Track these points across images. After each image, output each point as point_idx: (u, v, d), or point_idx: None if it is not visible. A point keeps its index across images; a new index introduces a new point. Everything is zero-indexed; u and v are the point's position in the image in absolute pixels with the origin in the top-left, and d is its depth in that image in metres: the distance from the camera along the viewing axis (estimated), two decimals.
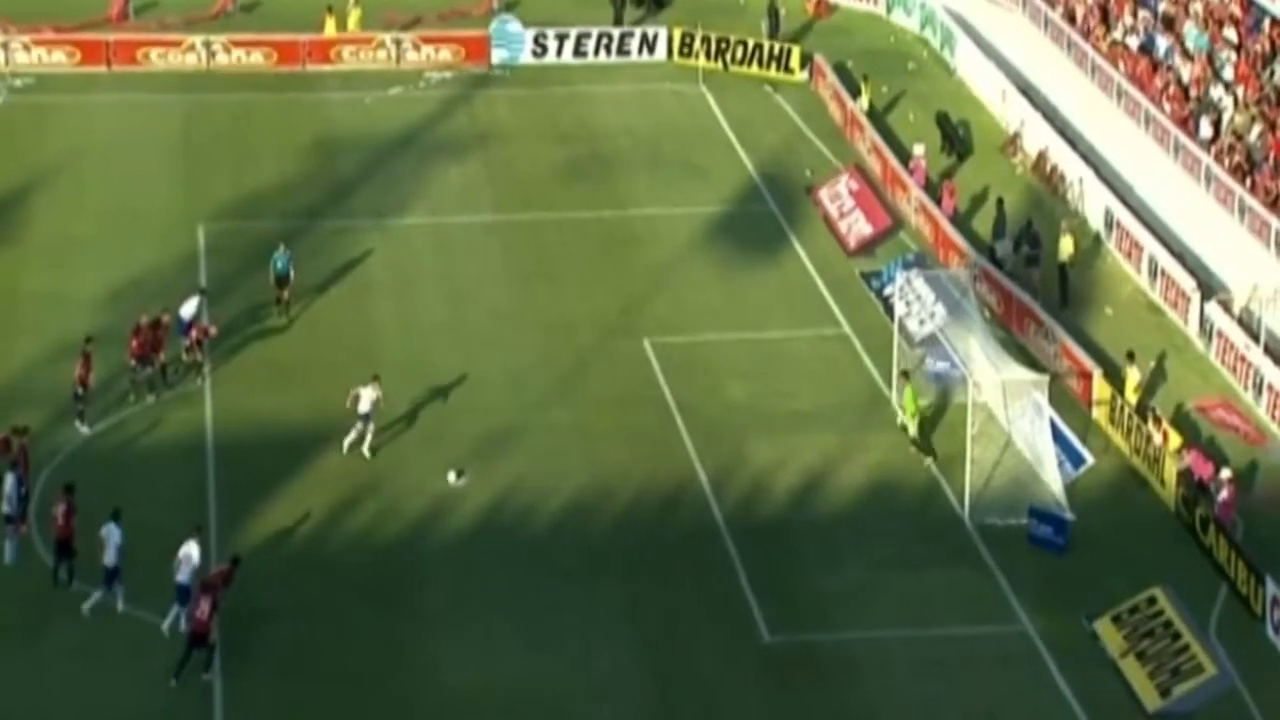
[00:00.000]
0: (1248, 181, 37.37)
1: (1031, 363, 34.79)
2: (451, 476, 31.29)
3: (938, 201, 41.21)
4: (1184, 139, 39.56)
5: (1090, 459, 31.41)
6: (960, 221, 40.83)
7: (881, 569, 29.77)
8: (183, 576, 27.55)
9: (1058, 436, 31.40)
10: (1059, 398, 33.15)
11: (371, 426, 32.06)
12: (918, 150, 43.23)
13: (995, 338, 34.09)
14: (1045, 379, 32.01)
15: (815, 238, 41.05)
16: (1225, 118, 39.38)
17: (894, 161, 43.08)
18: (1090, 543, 30.37)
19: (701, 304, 38.23)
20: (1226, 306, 36.07)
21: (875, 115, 46.25)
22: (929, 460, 32.22)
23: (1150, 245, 38.85)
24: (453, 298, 38.40)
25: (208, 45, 49.15)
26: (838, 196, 42.15)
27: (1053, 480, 31.07)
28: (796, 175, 43.86)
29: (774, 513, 31.35)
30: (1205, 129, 39.50)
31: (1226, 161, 38.14)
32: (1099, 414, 33.83)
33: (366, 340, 36.38)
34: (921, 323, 35.09)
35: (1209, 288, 37.32)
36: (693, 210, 42.29)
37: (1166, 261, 38.18)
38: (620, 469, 32.42)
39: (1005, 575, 29.64)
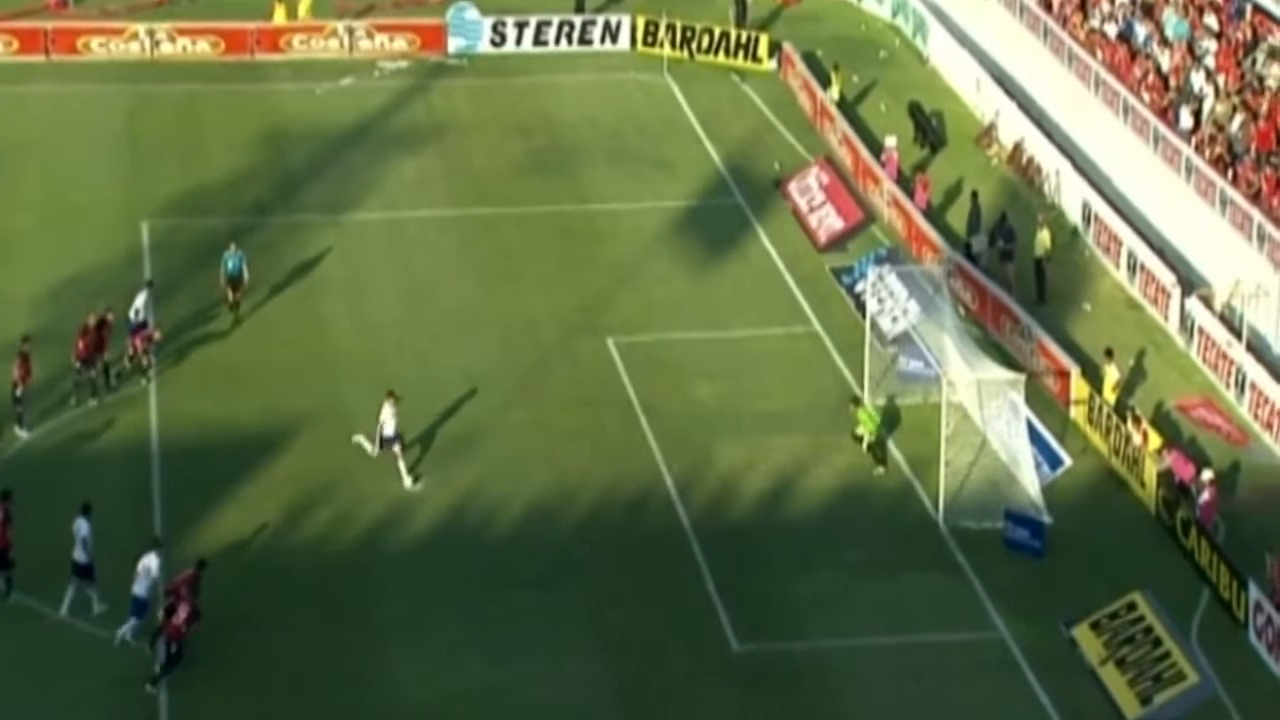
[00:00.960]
0: (1229, 173, 37.65)
1: (1007, 361, 34.99)
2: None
3: (910, 195, 41.40)
4: (1164, 129, 39.83)
5: (1068, 460, 31.61)
6: (934, 215, 41.03)
7: (854, 574, 29.90)
8: (140, 589, 27.56)
9: (1034, 437, 31.59)
10: (1036, 397, 33.35)
11: (398, 449, 31.62)
12: (890, 142, 43.41)
13: (970, 335, 34.28)
14: (1021, 378, 32.19)
15: (784, 232, 41.18)
16: (1206, 107, 39.67)
17: (865, 153, 43.25)
18: (1068, 547, 30.57)
19: (667, 301, 38.31)
20: (1208, 302, 36.34)
21: (846, 106, 46.42)
22: (880, 470, 32.32)
23: (1129, 239, 39.11)
24: (408, 296, 38.38)
25: (151, 34, 48.96)
26: (807, 190, 42.29)
27: (1029, 482, 31.25)
28: (765, 168, 43.99)
29: (742, 517, 31.45)
30: (1185, 119, 39.78)
31: (1207, 153, 38.43)
32: (1077, 414, 34.05)
33: (319, 340, 36.34)
34: (894, 320, 35.22)
35: (1190, 283, 37.59)
36: (657, 204, 42.36)
37: (1146, 256, 38.44)
38: (583, 472, 32.47)
39: (981, 580, 29.81)
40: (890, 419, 33.98)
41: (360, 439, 31.69)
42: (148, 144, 44.31)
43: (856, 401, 33.31)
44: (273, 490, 31.68)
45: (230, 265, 36.63)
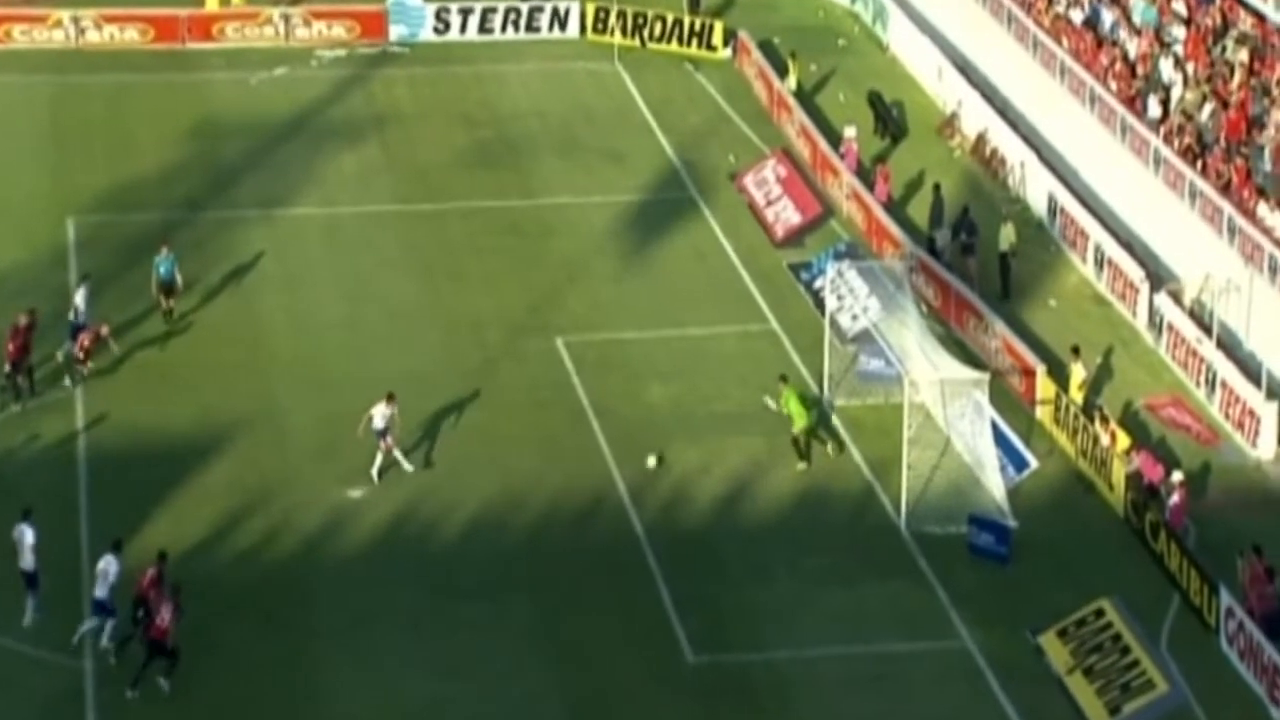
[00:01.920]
0: (1198, 164, 37.95)
1: (971, 360, 35.19)
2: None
3: (870, 187, 41.57)
4: (1131, 119, 40.13)
5: (1034, 462, 31.81)
6: (895, 209, 41.21)
7: (813, 582, 30.01)
8: (100, 591, 27.56)
9: (999, 438, 31.77)
10: (1000, 397, 33.55)
11: (382, 445, 31.75)
12: (849, 132, 43.58)
13: (933, 333, 34.44)
14: (986, 377, 32.38)
15: (740, 227, 41.28)
16: (1174, 96, 39.97)
17: (824, 145, 43.41)
18: (1034, 552, 30.75)
19: (618, 299, 38.36)
20: (1177, 298, 36.62)
21: (803, 95, 46.58)
22: (801, 465, 32.39)
23: (1096, 233, 39.38)
24: (348, 294, 38.29)
25: (76, 21, 48.67)
26: (764, 183, 42.41)
27: (994, 485, 31.43)
28: (720, 160, 44.09)
29: (698, 523, 31.52)
30: (1153, 108, 40.07)
31: (1176, 143, 38.72)
32: (1043, 414, 34.26)
33: (254, 342, 36.23)
34: (854, 318, 35.36)
35: (1158, 278, 37.87)
36: (608, 198, 42.40)
37: (1113, 250, 38.72)
38: (532, 477, 32.48)
39: (944, 587, 29.97)
40: (851, 420, 34.10)
41: (399, 457, 31.58)
42: (73, 137, 44.06)
43: (784, 378, 33.22)
44: (206, 498, 31.57)
45: (162, 270, 36.41)
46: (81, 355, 33.98)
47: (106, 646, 27.57)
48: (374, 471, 31.93)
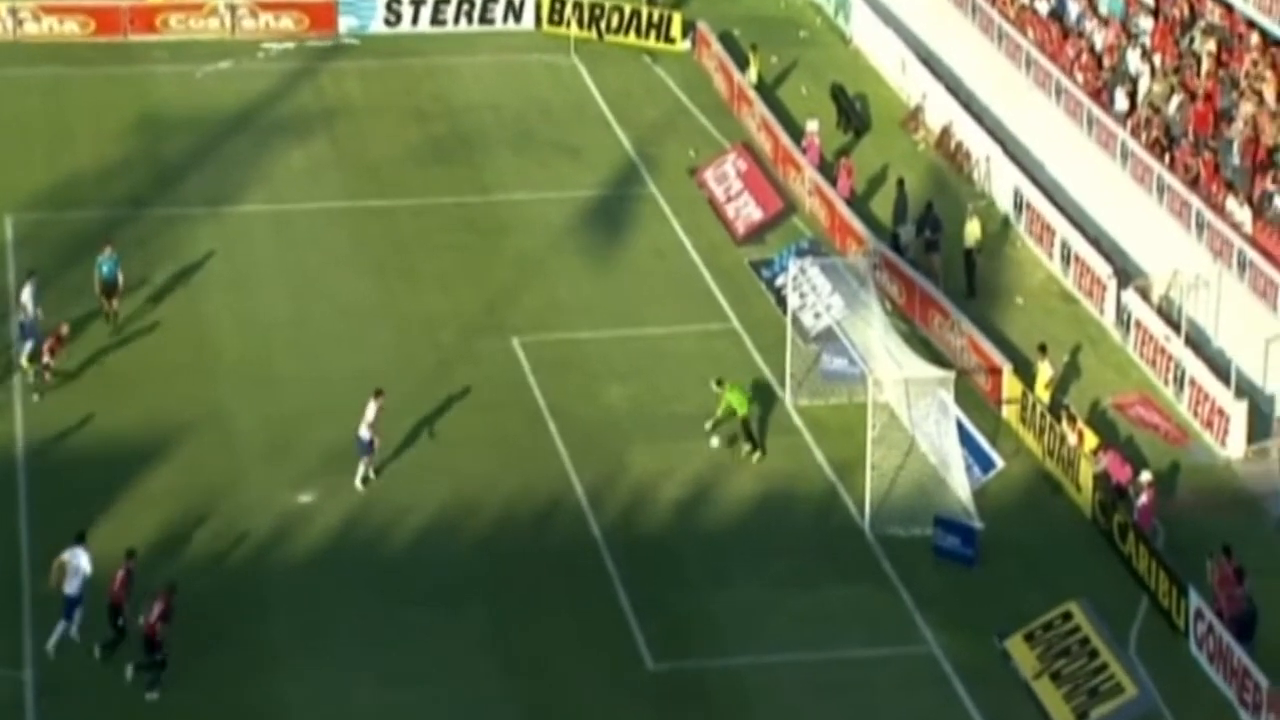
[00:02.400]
0: (1166, 158, 38.21)
1: (936, 358, 35.35)
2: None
3: (833, 182, 41.71)
4: (1098, 112, 40.37)
5: (1000, 463, 31.98)
6: (858, 204, 41.36)
7: (775, 587, 30.10)
8: (71, 589, 27.56)
9: (965, 438, 31.92)
10: (966, 396, 33.71)
11: (369, 455, 31.71)
12: (811, 126, 43.71)
13: (897, 331, 34.58)
14: (951, 376, 32.54)
15: (700, 224, 41.36)
16: (1142, 88, 40.22)
17: (785, 139, 43.52)
18: (1001, 554, 30.92)
19: (575, 298, 38.38)
20: (1145, 294, 36.86)
21: (764, 88, 46.69)
22: (751, 450, 32.57)
23: (1063, 228, 39.60)
24: (297, 294, 38.22)
25: (14, 13, 48.42)
26: (724, 178, 42.50)
27: (960, 486, 31.59)
28: (679, 155, 44.16)
29: (657, 527, 31.57)
30: (1120, 101, 40.33)
31: (1143, 136, 38.98)
32: (1009, 413, 34.45)
33: (200, 343, 36.13)
34: (817, 316, 35.46)
35: (1126, 274, 38.11)
36: (565, 194, 42.43)
37: (1080, 246, 38.94)
38: (487, 481, 32.48)
39: (909, 591, 30.10)
40: (814, 421, 34.22)
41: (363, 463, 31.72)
42: (10, 132, 43.83)
43: (720, 383, 33.37)
44: (150, 504, 31.46)
45: (105, 270, 36.25)
46: (46, 359, 33.83)
47: (71, 639, 27.56)
48: (359, 479, 31.74)
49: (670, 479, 32.63)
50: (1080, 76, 41.67)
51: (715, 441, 33.09)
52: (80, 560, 27.81)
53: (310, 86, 47.21)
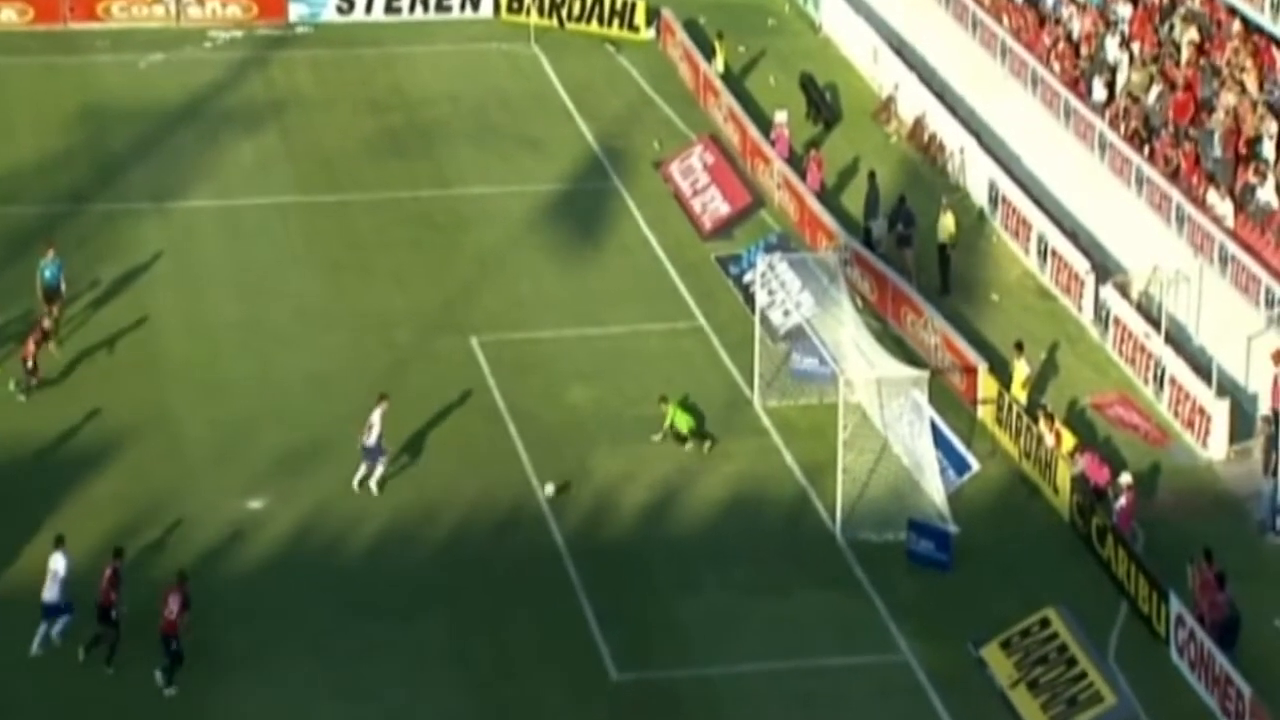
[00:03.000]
0: (1145, 149, 38.43)
1: (909, 357, 35.48)
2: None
3: (803, 175, 41.82)
4: (1075, 102, 40.57)
5: (975, 465, 32.12)
6: (828, 198, 41.48)
7: (743, 594, 30.17)
8: (50, 594, 27.80)
9: (939, 440, 32.05)
10: (940, 396, 33.85)
11: (384, 459, 31.70)
12: (780, 117, 43.82)
13: (869, 329, 34.70)
14: (925, 375, 32.66)
15: (665, 218, 41.42)
16: (1120, 78, 40.44)
17: (753, 131, 43.62)
18: (976, 559, 31.06)
19: (536, 296, 38.41)
20: (1124, 290, 37.05)
21: (731, 78, 46.77)
22: (709, 443, 32.93)
23: (1039, 223, 39.79)
24: (247, 292, 38.15)
25: None
26: (690, 171, 42.56)
27: (934, 489, 31.72)
28: (644, 147, 44.21)
29: (622, 533, 31.63)
30: (1099, 91, 40.53)
31: (1122, 127, 39.19)
32: (985, 414, 34.60)
33: (145, 344, 36.05)
34: (786, 313, 35.58)
35: (1104, 269, 38.31)
36: (525, 188, 42.45)
37: (1057, 240, 39.13)
38: (445, 486, 32.49)
39: (882, 597, 30.21)
40: (783, 422, 34.33)
41: (370, 472, 31.71)
42: None
43: (664, 399, 33.61)
44: (93, 512, 31.36)
45: (48, 275, 36.07)
46: (32, 364, 33.82)
47: (55, 644, 27.93)
48: (373, 483, 31.81)
49: (635, 482, 32.69)
50: (1057, 65, 41.87)
51: (657, 437, 33.24)
52: (56, 564, 27.93)
53: (260, 77, 47.10)
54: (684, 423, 33.42)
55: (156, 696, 27.60)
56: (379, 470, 31.93)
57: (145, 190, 41.72)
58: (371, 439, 31.77)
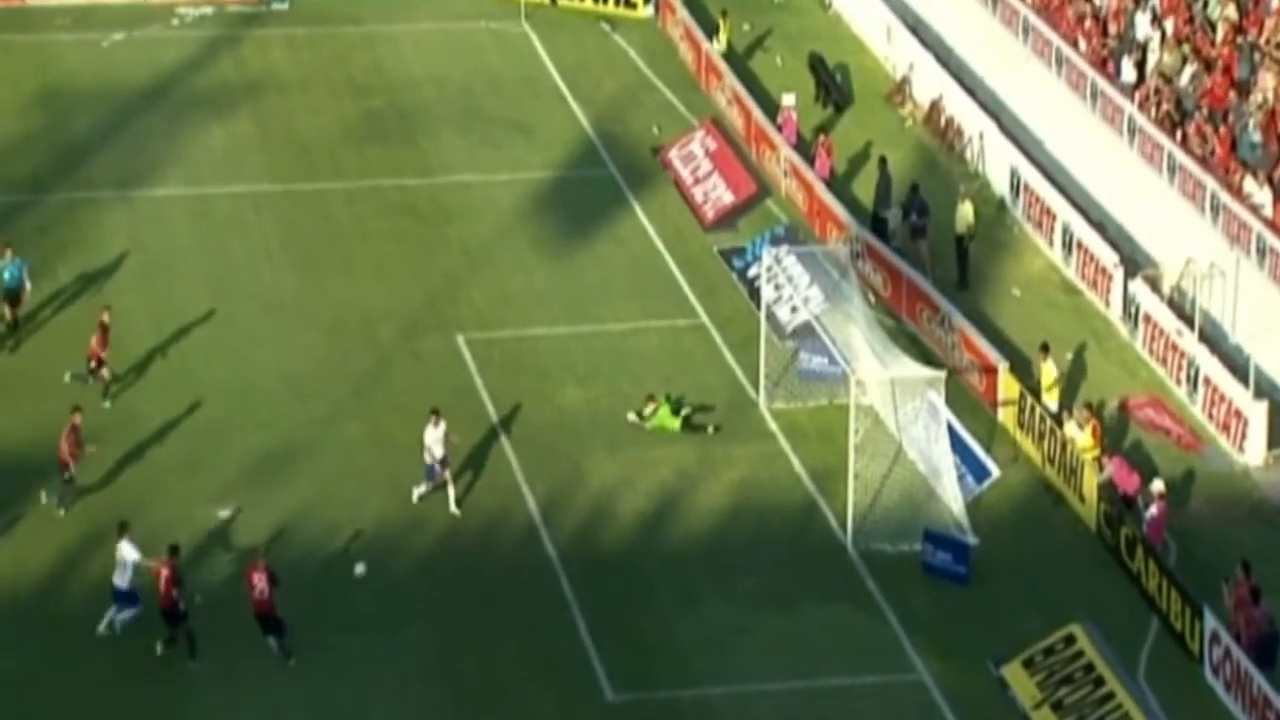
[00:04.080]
0: (1178, 134, 38.43)
1: (925, 356, 35.49)
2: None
3: (811, 162, 41.84)
4: (1102, 83, 40.58)
5: (996, 471, 32.13)
6: (838, 186, 41.51)
7: (748, 608, 30.17)
8: (121, 581, 28.52)
9: (957, 444, 32.07)
10: (958, 397, 33.86)
11: (448, 474, 31.69)
12: (787, 100, 43.84)
13: (882, 327, 34.72)
14: (942, 375, 32.68)
15: (665, 208, 41.45)
16: (1151, 58, 40.44)
17: (759, 115, 43.64)
18: (997, 572, 31.06)
19: (527, 291, 38.42)
20: (1155, 285, 37.07)
21: (735, 59, 46.79)
22: (712, 429, 33.19)
23: (1064, 213, 39.80)
24: (218, 287, 38.17)
25: None
26: (691, 158, 42.58)
27: (952, 498, 31.73)
28: (642, 132, 44.24)
29: (618, 543, 31.62)
30: (1128, 71, 40.54)
31: (1153, 110, 39.19)
32: (1006, 416, 34.61)
33: (109, 341, 36.00)
34: (794, 310, 35.59)
35: (1134, 263, 38.33)
36: (515, 176, 42.49)
37: (1084, 232, 39.15)
38: (430, 494, 32.46)
39: (896, 613, 30.22)
40: (790, 425, 34.34)
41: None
42: None
43: (651, 398, 33.69)
44: (52, 522, 31.38)
45: (6, 276, 36.08)
46: (101, 360, 34.02)
47: (112, 632, 28.69)
48: (417, 494, 31.88)
49: (632, 490, 32.69)
50: (1083, 44, 41.88)
51: (632, 416, 33.49)
52: (126, 552, 28.50)
53: (232, 57, 47.11)
54: (670, 424, 33.39)
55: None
56: (450, 486, 31.64)
57: (109, 178, 41.72)
58: (439, 451, 31.52)
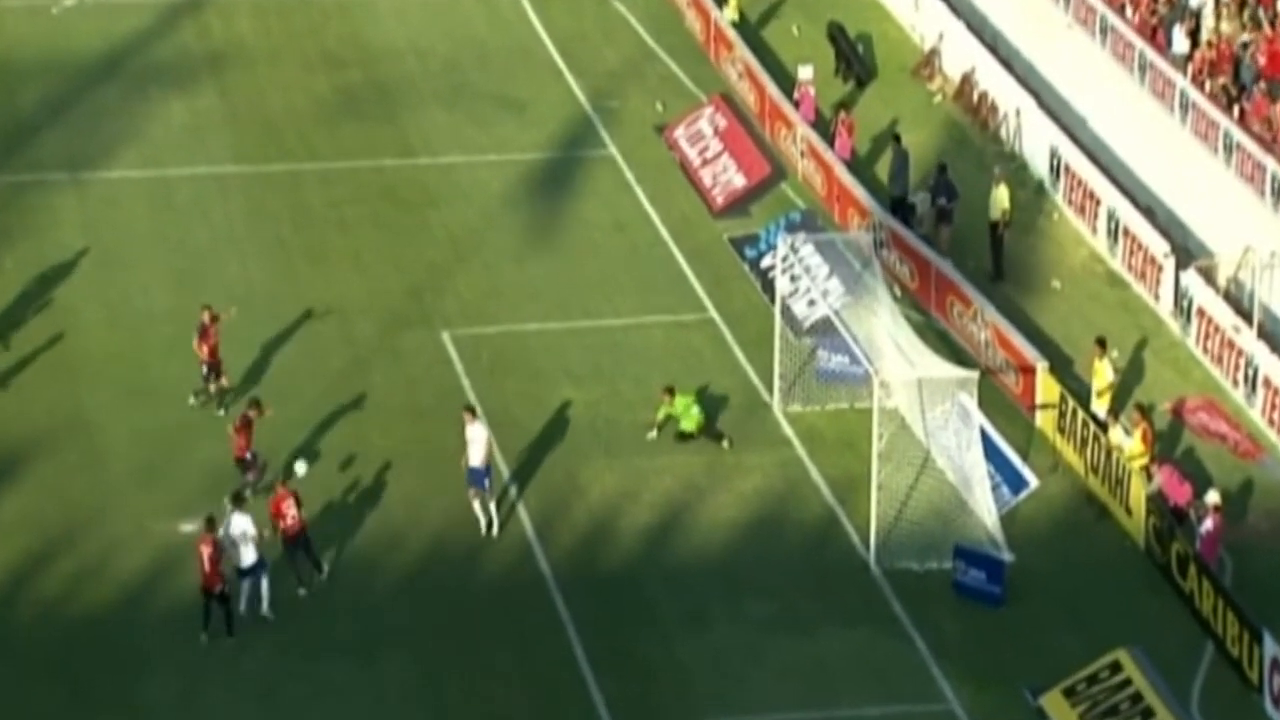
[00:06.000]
0: (1235, 110, 38.45)
1: (956, 355, 35.52)
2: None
3: (830, 142, 41.89)
4: (1152, 55, 40.59)
5: (1033, 481, 32.15)
6: (860, 168, 41.55)
7: (760, 631, 30.21)
8: (249, 557, 29.58)
9: (991, 452, 32.09)
10: (992, 400, 33.90)
11: (487, 484, 31.62)
12: (804, 74, 43.89)
13: (909, 322, 34.75)
14: (974, 376, 32.72)
15: (670, 192, 41.49)
16: (1206, 25, 40.43)
17: (773, 89, 43.68)
18: (1035, 591, 31.09)
19: (519, 283, 38.47)
20: (1209, 276, 37.09)
21: (747, 28, 46.81)
22: (726, 443, 33.21)
23: (1109, 197, 39.84)
24: (178, 278, 38.23)
25: None
26: (700, 137, 42.62)
27: (985, 510, 31.78)
28: (644, 109, 44.27)
29: (619, 561, 31.66)
30: (1179, 41, 40.55)
31: (1207, 84, 39.21)
32: (1044, 421, 34.66)
33: (59, 338, 36.10)
34: (811, 304, 35.64)
35: (1186, 252, 38.36)
36: (506, 157, 42.53)
37: (1130, 218, 39.19)
38: (412, 505, 32.54)
39: (924, 637, 30.26)
40: (808, 431, 34.39)
41: (487, 508, 31.80)
42: None
43: (670, 392, 33.66)
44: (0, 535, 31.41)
45: None
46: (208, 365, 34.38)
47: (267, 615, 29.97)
48: (493, 520, 31.74)
49: (635, 501, 32.72)
50: (1130, 11, 41.89)
51: (652, 434, 33.62)
52: (247, 525, 29.50)
53: (193, 25, 47.17)
54: (691, 419, 33.35)
55: None
56: (478, 507, 31.63)
57: (59, 158, 41.78)
58: (481, 454, 31.48)
